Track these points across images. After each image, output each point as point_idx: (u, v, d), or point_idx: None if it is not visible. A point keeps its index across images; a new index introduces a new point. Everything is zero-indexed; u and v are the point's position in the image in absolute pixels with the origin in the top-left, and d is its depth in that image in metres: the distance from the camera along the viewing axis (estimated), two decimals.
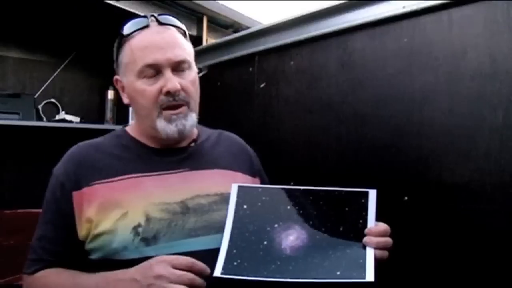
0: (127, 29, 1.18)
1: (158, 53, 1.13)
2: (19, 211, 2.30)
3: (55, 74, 2.81)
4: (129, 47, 1.17)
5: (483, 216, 1.15)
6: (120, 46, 1.20)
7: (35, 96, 2.69)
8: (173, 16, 1.22)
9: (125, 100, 1.24)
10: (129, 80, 1.18)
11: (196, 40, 2.48)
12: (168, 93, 1.13)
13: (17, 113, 2.48)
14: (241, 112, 1.96)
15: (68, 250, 1.13)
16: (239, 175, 1.27)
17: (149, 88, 1.14)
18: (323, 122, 1.58)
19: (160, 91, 1.13)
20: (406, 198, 1.30)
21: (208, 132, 1.35)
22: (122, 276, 1.01)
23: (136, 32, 1.17)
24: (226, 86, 2.07)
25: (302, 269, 1.01)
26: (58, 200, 1.15)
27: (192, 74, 1.20)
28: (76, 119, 2.76)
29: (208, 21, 2.57)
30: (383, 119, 1.38)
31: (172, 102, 1.14)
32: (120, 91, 1.25)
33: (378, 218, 1.06)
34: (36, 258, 1.15)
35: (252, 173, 1.33)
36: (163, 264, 0.96)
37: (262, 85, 1.85)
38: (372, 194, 1.06)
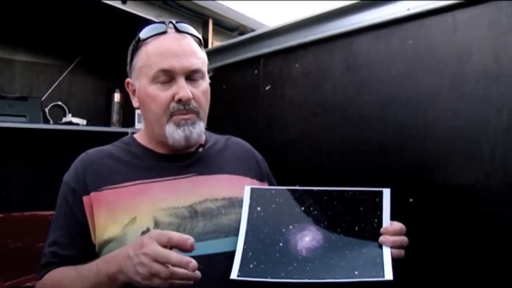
0: (144, 33, 1.19)
1: (174, 60, 1.13)
2: (26, 213, 2.31)
3: (61, 77, 2.83)
4: (145, 51, 1.17)
5: (488, 218, 1.15)
6: (135, 49, 1.20)
7: (42, 99, 2.71)
8: (190, 25, 1.23)
9: (135, 104, 1.25)
10: (142, 84, 1.18)
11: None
12: (179, 101, 1.13)
13: (24, 116, 2.49)
14: (246, 115, 1.96)
15: (83, 254, 1.13)
16: (247, 180, 1.27)
17: (161, 93, 1.15)
18: (328, 124, 1.58)
19: (172, 98, 1.14)
20: (411, 200, 1.30)
21: (215, 137, 1.36)
22: (118, 252, 1.00)
23: (153, 37, 1.17)
24: (231, 88, 2.08)
25: (319, 269, 1.01)
26: (71, 206, 1.16)
27: (205, 84, 1.20)
28: (82, 121, 2.77)
29: (214, 23, 2.57)
30: (388, 121, 1.38)
31: (182, 110, 1.15)
32: (131, 95, 1.26)
33: (391, 214, 1.06)
34: (46, 262, 1.16)
35: (260, 178, 1.33)
36: (150, 241, 0.92)
37: (267, 88, 1.85)
38: (386, 193, 1.07)
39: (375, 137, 1.41)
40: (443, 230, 1.24)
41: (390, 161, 1.37)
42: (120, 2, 2.21)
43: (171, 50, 1.15)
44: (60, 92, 2.84)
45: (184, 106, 1.14)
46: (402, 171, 1.33)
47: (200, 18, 2.53)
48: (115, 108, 2.89)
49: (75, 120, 2.76)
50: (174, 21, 1.20)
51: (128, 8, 2.24)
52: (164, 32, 1.17)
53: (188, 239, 0.92)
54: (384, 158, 1.39)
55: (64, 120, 2.77)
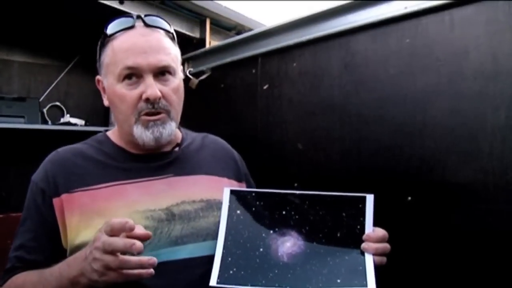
0: (110, 28, 1.14)
1: (139, 56, 1.08)
2: None
3: (59, 78, 2.82)
4: (111, 47, 1.13)
5: (486, 216, 1.15)
6: (102, 45, 1.16)
7: (40, 100, 2.71)
8: (161, 18, 1.17)
9: (105, 102, 1.20)
10: (109, 82, 1.14)
11: (199, 42, 2.48)
12: (147, 100, 1.08)
13: (23, 117, 2.50)
14: (244, 114, 1.96)
15: (50, 259, 1.06)
16: (225, 180, 1.24)
17: (128, 93, 1.10)
18: (326, 123, 1.58)
19: (139, 97, 1.09)
20: (409, 198, 1.30)
21: (192, 135, 1.32)
22: (78, 254, 0.96)
23: (120, 33, 1.12)
24: (229, 88, 2.07)
25: (301, 277, 0.99)
26: (39, 208, 1.11)
27: (176, 82, 1.15)
28: (81, 122, 2.78)
29: (211, 23, 2.57)
30: (385, 120, 1.38)
31: (151, 109, 1.10)
32: (102, 92, 1.21)
33: (381, 218, 1.06)
34: (10, 267, 1.11)
35: (238, 178, 1.30)
36: (100, 233, 0.89)
37: (265, 87, 1.85)
38: (370, 198, 1.04)
39: (373, 135, 1.41)
40: (441, 228, 1.23)
41: (388, 160, 1.36)
42: (117, 2, 2.20)
43: (137, 46, 1.09)
44: (58, 92, 2.84)
45: (152, 105, 1.09)
46: (400, 170, 1.33)
47: (197, 18, 2.53)
48: None
49: (73, 120, 2.76)
50: (143, 15, 1.14)
51: (125, 8, 2.23)
52: (132, 27, 1.12)
53: (127, 222, 0.88)
54: (382, 156, 1.38)
55: (62, 120, 2.77)
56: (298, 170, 1.68)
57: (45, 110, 2.74)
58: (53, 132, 2.53)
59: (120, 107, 1.13)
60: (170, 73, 1.13)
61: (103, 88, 1.19)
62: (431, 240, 1.25)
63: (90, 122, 2.84)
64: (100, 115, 2.98)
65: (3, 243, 2.24)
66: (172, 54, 1.15)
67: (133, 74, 1.10)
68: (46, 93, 2.77)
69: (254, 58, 1.92)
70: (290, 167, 1.71)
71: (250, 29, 2.49)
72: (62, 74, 2.84)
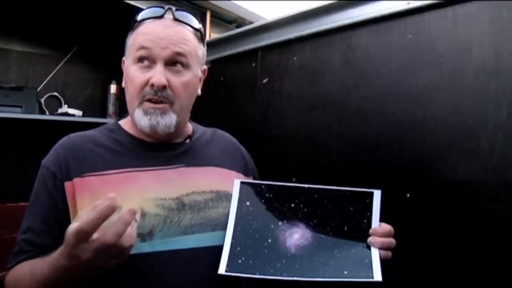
0: (141, 15, 1.17)
1: (155, 41, 1.10)
2: (21, 204, 2.30)
3: (57, 68, 2.81)
4: (137, 31, 1.15)
5: (486, 213, 1.15)
6: (131, 29, 1.18)
7: (38, 90, 2.69)
8: (192, 15, 1.19)
9: (123, 83, 1.22)
10: (127, 64, 1.16)
11: None
12: (152, 85, 1.10)
13: (20, 106, 2.48)
14: (243, 107, 1.95)
15: (58, 242, 1.01)
16: (234, 173, 1.26)
17: (138, 75, 1.12)
18: (326, 118, 1.57)
19: (147, 82, 1.10)
20: (408, 195, 1.30)
21: (202, 129, 1.34)
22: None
23: (147, 20, 1.15)
24: (229, 81, 2.07)
25: (308, 267, 1.01)
26: (50, 191, 1.10)
27: (188, 76, 1.15)
28: (78, 112, 2.76)
29: (212, 15, 2.56)
30: (386, 116, 1.37)
31: (154, 96, 1.11)
32: (124, 73, 1.22)
33: (380, 215, 1.06)
34: (18, 250, 1.10)
35: (246, 173, 1.32)
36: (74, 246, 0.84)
37: (265, 81, 1.85)
38: (377, 194, 1.07)
39: (373, 131, 1.41)
40: (440, 226, 1.23)
41: (388, 156, 1.36)
42: None
43: (157, 32, 1.11)
44: (56, 82, 2.82)
45: (156, 92, 1.10)
46: (399, 166, 1.33)
47: (198, 10, 2.52)
48: (111, 100, 2.87)
49: (71, 111, 2.74)
50: (174, 8, 1.16)
51: None
52: (160, 17, 1.15)
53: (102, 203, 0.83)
54: (381, 152, 1.38)
55: (60, 111, 2.75)
56: (296, 164, 1.68)
57: (42, 100, 2.72)
58: (50, 122, 2.52)
59: (129, 88, 1.15)
60: (182, 65, 1.14)
61: (124, 69, 1.21)
62: (430, 237, 1.25)
63: (88, 113, 2.83)
64: (98, 106, 2.97)
65: None
66: (190, 47, 1.15)
67: (146, 58, 1.11)
68: (44, 83, 2.75)
69: (254, 52, 1.91)
70: (289, 162, 1.71)
71: (251, 22, 2.48)
72: (60, 64, 2.82)
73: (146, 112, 1.12)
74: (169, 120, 1.13)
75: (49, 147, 1.20)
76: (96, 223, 0.82)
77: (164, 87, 1.10)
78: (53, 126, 2.45)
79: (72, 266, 0.87)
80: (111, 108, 2.87)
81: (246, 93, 1.94)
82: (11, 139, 2.57)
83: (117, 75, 1.29)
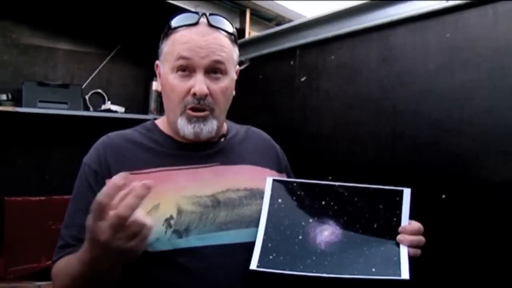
0: (175, 22, 1.18)
1: (194, 51, 1.12)
2: (66, 196, 2.38)
3: (101, 65, 2.89)
4: (173, 39, 1.16)
5: None
6: (165, 35, 1.20)
7: (83, 87, 2.78)
8: (225, 19, 1.21)
9: (158, 87, 1.26)
10: (165, 71, 1.19)
11: (239, 33, 2.48)
12: (194, 95, 1.12)
13: (66, 103, 2.58)
14: (281, 105, 1.97)
15: None
16: (267, 171, 1.27)
17: (179, 84, 1.14)
18: (362, 117, 1.57)
19: (188, 91, 1.13)
20: (444, 196, 1.28)
21: (236, 128, 1.36)
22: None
23: (183, 28, 1.16)
24: (267, 79, 2.08)
25: (337, 264, 1.01)
26: (92, 188, 1.13)
27: (226, 81, 1.17)
28: (121, 109, 2.84)
29: (251, 13, 2.58)
30: (422, 116, 1.36)
31: (196, 104, 1.14)
32: (158, 77, 1.27)
33: (415, 215, 1.05)
34: (64, 244, 1.14)
35: (279, 170, 1.33)
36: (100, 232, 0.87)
37: (302, 79, 1.85)
38: (407, 192, 1.06)
39: (409, 131, 1.40)
40: (475, 227, 1.22)
41: (424, 156, 1.35)
42: None
43: (195, 42, 1.13)
44: (100, 80, 2.91)
45: (198, 101, 1.13)
46: (435, 167, 1.32)
47: (238, 8, 2.55)
48: (153, 96, 2.94)
49: (114, 107, 2.83)
50: (207, 14, 1.17)
51: None
52: (195, 24, 1.16)
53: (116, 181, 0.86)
54: (417, 152, 1.37)
55: (103, 107, 2.84)
56: (332, 162, 1.68)
57: (87, 97, 2.82)
58: (94, 118, 2.61)
59: (170, 97, 1.18)
60: (221, 72, 1.16)
61: (159, 74, 1.25)
62: (464, 238, 1.23)
63: (130, 109, 2.90)
64: (140, 103, 3.05)
65: (46, 224, 2.35)
66: (227, 54, 1.18)
67: (186, 67, 1.14)
68: (88, 80, 2.85)
69: (292, 50, 1.92)
70: (325, 160, 1.71)
71: (290, 20, 2.48)
72: (104, 62, 2.90)
73: (189, 121, 1.15)
74: (211, 126, 1.17)
75: (93, 142, 1.24)
76: (108, 193, 0.85)
77: (205, 96, 1.13)
78: (96, 122, 2.54)
79: (94, 254, 0.91)
80: (152, 105, 2.94)
81: (284, 91, 1.95)
82: (58, 134, 2.67)
83: None
